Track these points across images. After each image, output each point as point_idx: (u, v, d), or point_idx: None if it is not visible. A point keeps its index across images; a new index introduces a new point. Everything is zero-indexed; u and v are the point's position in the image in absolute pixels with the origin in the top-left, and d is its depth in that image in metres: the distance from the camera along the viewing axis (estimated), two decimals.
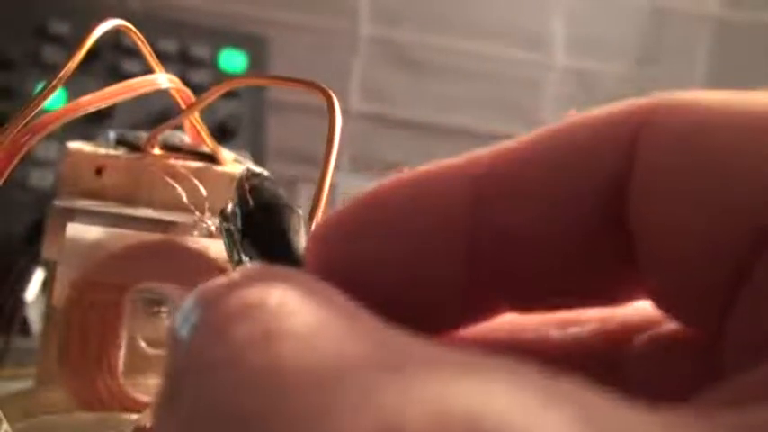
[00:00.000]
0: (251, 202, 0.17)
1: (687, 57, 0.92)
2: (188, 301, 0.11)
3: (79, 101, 0.23)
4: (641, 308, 0.13)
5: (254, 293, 0.10)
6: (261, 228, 0.16)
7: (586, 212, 0.12)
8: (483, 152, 0.13)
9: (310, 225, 0.22)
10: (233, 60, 0.72)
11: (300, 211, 0.17)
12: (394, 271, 0.13)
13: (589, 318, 0.14)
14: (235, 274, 0.11)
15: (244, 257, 0.16)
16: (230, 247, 0.17)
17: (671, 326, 0.13)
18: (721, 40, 0.92)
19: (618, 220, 0.12)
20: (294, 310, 0.10)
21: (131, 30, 0.25)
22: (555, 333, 0.14)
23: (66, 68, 0.24)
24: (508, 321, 0.14)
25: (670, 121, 0.12)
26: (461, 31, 0.88)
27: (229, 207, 0.17)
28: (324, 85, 0.23)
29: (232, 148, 0.67)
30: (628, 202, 0.12)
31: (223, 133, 0.68)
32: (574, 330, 0.14)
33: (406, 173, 0.14)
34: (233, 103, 0.68)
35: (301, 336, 0.10)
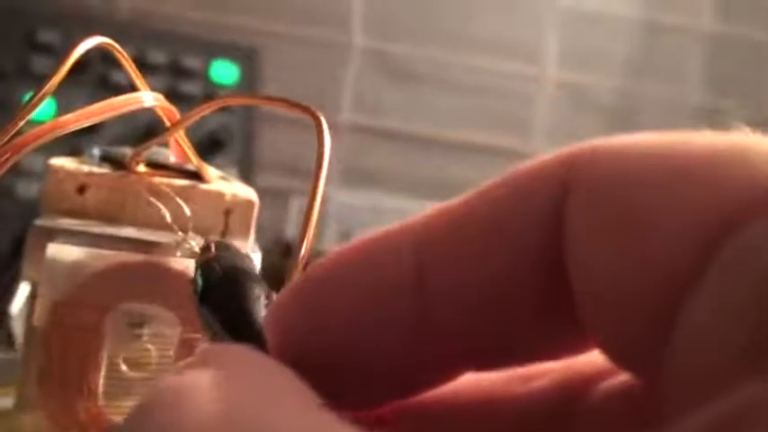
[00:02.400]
0: (213, 273, 0.17)
1: (679, 70, 0.92)
2: None
3: (60, 120, 0.23)
4: (600, 357, 0.13)
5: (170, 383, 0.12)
6: (220, 298, 0.17)
7: (525, 269, 0.13)
8: (422, 215, 0.13)
9: (302, 245, 0.22)
10: (224, 72, 0.71)
11: (262, 283, 0.17)
12: (348, 342, 0.14)
13: (549, 370, 0.14)
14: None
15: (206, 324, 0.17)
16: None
17: (623, 376, 0.13)
18: (713, 55, 0.92)
19: (558, 274, 0.12)
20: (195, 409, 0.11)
21: (115, 47, 0.25)
22: (518, 388, 0.14)
23: (50, 84, 0.23)
24: (472, 379, 0.14)
25: (595, 171, 0.12)
26: (454, 44, 0.88)
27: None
28: (312, 107, 0.23)
29: (222, 161, 0.67)
30: (563, 258, 0.12)
31: (213, 145, 0.67)
32: (536, 384, 0.14)
33: (355, 242, 0.14)
34: (223, 114, 0.68)
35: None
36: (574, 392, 0.14)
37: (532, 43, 0.90)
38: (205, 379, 0.11)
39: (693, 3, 0.93)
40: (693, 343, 0.10)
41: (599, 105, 0.90)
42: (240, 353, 0.13)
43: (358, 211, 0.78)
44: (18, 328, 0.47)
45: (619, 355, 0.12)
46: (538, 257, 0.12)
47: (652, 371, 0.11)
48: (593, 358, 0.13)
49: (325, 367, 0.13)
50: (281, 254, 0.68)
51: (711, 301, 0.10)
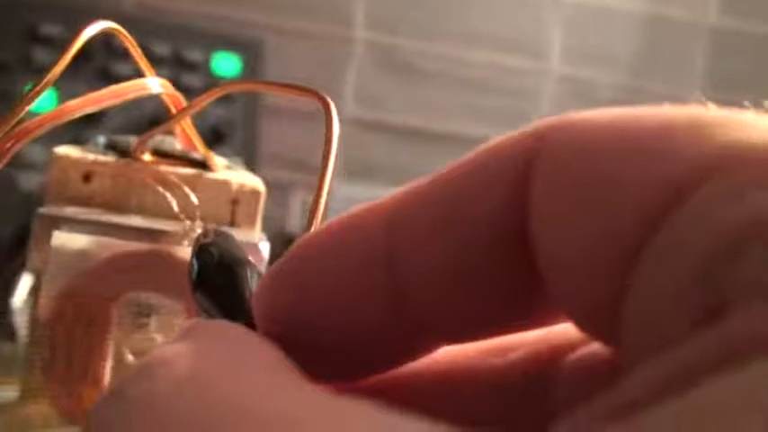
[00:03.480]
0: (209, 258, 0.17)
1: (683, 65, 0.92)
2: None
3: (65, 105, 0.23)
4: (571, 327, 0.13)
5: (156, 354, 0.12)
6: (215, 282, 0.17)
7: (490, 246, 0.13)
8: (395, 193, 0.14)
9: (311, 224, 0.22)
10: (226, 64, 0.71)
11: (261, 267, 0.18)
12: (328, 318, 0.14)
13: (524, 341, 0.15)
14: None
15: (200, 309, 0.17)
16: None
17: (594, 345, 0.14)
18: (718, 49, 0.92)
19: (525, 247, 0.13)
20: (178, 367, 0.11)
21: (121, 32, 0.25)
22: (495, 360, 0.15)
23: (53, 72, 0.23)
24: (451, 352, 0.15)
25: (555, 147, 0.12)
26: (457, 38, 0.88)
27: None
28: (321, 92, 0.23)
29: (225, 153, 0.66)
30: (527, 232, 0.12)
31: (216, 138, 0.67)
32: (512, 356, 0.15)
33: (334, 221, 0.14)
34: (226, 107, 0.68)
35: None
36: (549, 363, 0.14)
37: (536, 38, 0.90)
38: (183, 351, 0.11)
39: None
40: (641, 312, 0.11)
41: (602, 100, 0.90)
42: (221, 327, 0.14)
43: (360, 205, 0.77)
44: (20, 320, 0.47)
45: (585, 324, 0.13)
46: (502, 234, 0.13)
47: (616, 337, 0.11)
48: (568, 328, 0.14)
49: (309, 342, 0.14)
50: (283, 246, 0.68)
51: (656, 271, 0.11)
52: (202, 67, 0.69)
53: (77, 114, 0.24)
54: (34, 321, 0.26)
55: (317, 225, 0.22)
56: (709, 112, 0.11)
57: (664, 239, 0.11)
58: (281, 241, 0.70)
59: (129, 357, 0.25)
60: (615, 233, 0.11)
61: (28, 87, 0.24)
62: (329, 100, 0.22)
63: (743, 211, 0.10)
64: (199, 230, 0.26)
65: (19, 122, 0.24)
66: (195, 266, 0.17)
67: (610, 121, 0.12)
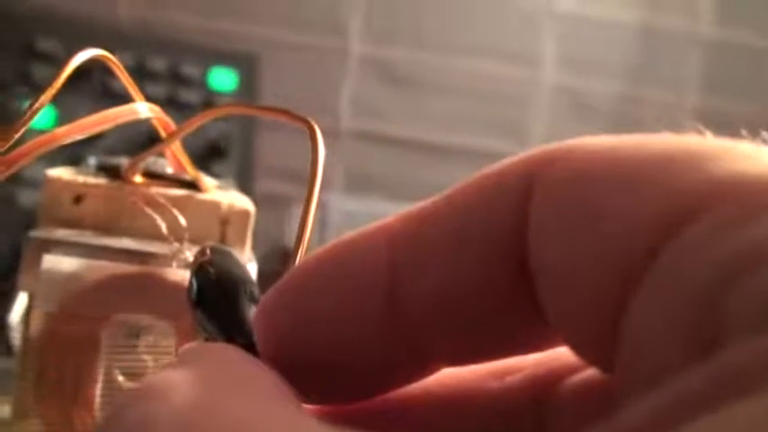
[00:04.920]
0: (208, 276, 0.17)
1: (678, 75, 0.92)
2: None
3: (55, 132, 0.23)
4: (569, 352, 0.13)
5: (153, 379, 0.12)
6: (214, 301, 0.17)
7: (492, 269, 0.13)
8: (397, 216, 0.14)
9: (296, 257, 0.22)
10: (223, 79, 0.71)
11: (256, 286, 0.18)
12: (327, 340, 0.14)
13: (523, 365, 0.15)
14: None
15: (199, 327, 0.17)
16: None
17: (591, 370, 0.14)
18: (712, 59, 0.92)
19: (525, 271, 0.13)
20: (175, 396, 0.11)
21: (110, 58, 0.25)
22: (492, 383, 0.15)
23: (44, 97, 0.23)
24: (448, 375, 0.15)
25: (556, 172, 0.12)
26: (453, 49, 0.88)
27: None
28: (307, 117, 0.23)
29: (223, 168, 0.66)
30: (528, 256, 0.13)
31: (214, 153, 0.67)
32: (509, 380, 0.15)
33: (335, 241, 0.14)
34: (224, 122, 0.68)
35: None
36: (546, 387, 0.14)
37: (531, 48, 0.90)
38: (181, 376, 0.11)
39: (692, 7, 0.93)
40: (637, 340, 0.11)
41: (597, 110, 0.90)
42: (219, 351, 0.14)
43: (361, 218, 0.78)
44: (16, 336, 0.47)
45: (581, 350, 0.13)
46: (504, 257, 0.13)
47: (612, 364, 0.11)
48: (567, 353, 0.14)
49: (308, 364, 0.14)
50: (281, 260, 0.68)
51: (652, 299, 0.11)
52: (199, 82, 0.70)
53: (68, 140, 0.24)
54: (26, 342, 0.27)
55: (304, 247, 0.22)
56: (708, 143, 0.11)
57: (661, 269, 0.11)
58: (279, 255, 0.71)
59: (120, 378, 0.26)
60: (610, 262, 0.11)
61: (24, 103, 0.24)
62: (314, 124, 0.23)
63: (739, 242, 0.10)
64: (188, 252, 0.26)
65: (14, 145, 0.24)
66: (194, 285, 0.17)
67: (608, 149, 0.12)
